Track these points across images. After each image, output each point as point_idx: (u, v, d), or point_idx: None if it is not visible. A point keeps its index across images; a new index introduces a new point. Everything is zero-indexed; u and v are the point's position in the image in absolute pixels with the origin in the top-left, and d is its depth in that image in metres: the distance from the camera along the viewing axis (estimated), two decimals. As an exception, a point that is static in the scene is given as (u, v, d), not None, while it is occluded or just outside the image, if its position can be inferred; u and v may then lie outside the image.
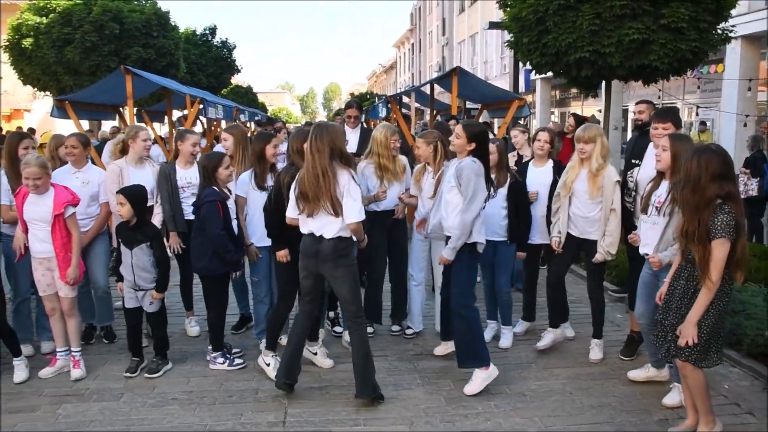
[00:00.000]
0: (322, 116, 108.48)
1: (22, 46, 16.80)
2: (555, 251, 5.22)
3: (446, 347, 5.21)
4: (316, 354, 5.08)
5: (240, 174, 5.29)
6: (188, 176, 5.47)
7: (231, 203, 5.04)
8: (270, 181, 5.09)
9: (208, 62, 26.01)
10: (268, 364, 4.85)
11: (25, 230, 4.83)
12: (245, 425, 4.17)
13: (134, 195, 4.79)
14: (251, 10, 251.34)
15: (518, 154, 6.93)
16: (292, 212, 4.36)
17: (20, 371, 4.87)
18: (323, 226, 4.22)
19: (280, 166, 5.41)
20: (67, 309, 4.90)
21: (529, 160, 5.92)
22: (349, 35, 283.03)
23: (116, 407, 4.44)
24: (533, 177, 5.63)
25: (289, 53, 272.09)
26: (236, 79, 33.56)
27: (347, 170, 4.22)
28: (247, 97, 35.43)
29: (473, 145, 4.54)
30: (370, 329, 5.44)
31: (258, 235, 5.15)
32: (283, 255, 4.73)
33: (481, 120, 11.19)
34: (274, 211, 4.66)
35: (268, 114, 37.14)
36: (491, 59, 31.94)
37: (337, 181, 4.13)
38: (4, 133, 13.90)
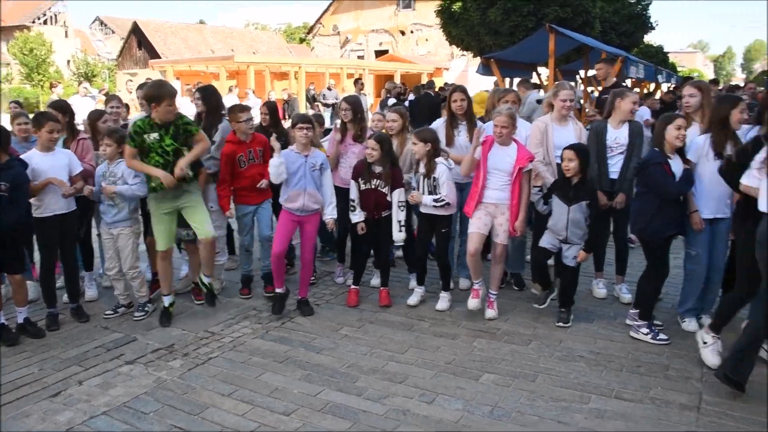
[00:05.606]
0: (739, 80, 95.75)
1: (452, 9, 18.55)
2: None
3: None
4: None
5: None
6: (619, 136, 5.36)
7: (676, 166, 4.70)
8: (728, 150, 4.56)
9: (622, 20, 24.76)
10: (705, 343, 4.40)
11: None
12: (654, 400, 3.95)
13: (583, 151, 4.94)
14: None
15: None
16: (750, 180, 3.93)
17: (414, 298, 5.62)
18: None
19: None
20: (499, 254, 5.28)
21: None
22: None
23: (525, 352, 4.66)
24: None
25: (703, 7, 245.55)
26: (647, 39, 31.46)
27: None
28: (656, 57, 32.94)
29: None
30: None
31: (711, 208, 4.72)
32: None
33: None
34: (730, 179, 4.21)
35: (678, 75, 34.18)
36: None
37: None
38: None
